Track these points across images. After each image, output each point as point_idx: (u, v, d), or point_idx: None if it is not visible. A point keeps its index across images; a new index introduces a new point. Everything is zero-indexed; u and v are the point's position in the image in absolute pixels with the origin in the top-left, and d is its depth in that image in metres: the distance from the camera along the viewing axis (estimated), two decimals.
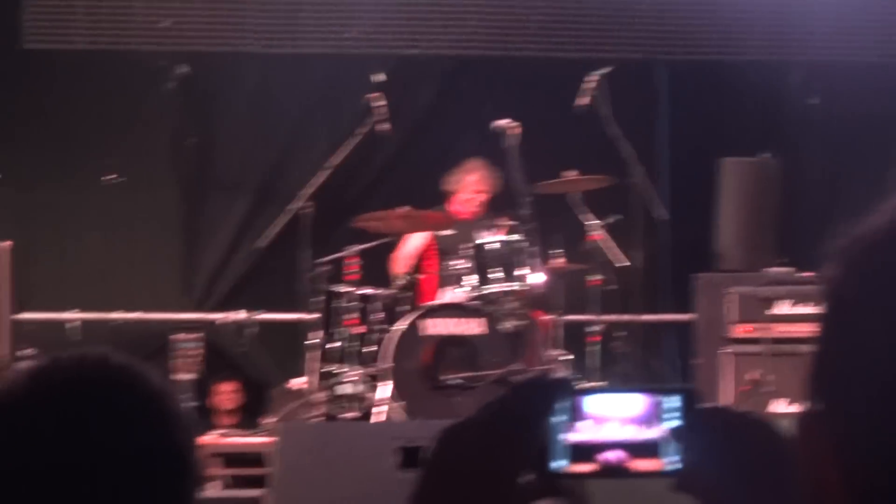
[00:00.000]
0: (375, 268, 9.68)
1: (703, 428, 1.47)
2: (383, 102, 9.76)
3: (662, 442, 1.47)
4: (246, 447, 9.43)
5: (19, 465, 1.74)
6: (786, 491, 1.41)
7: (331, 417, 9.03)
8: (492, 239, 9.32)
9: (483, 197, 10.07)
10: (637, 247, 9.72)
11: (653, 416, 1.48)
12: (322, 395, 9.10)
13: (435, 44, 10.68)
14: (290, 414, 9.36)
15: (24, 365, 1.86)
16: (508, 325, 9.16)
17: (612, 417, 1.48)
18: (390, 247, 9.70)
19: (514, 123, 9.21)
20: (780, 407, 8.99)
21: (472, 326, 9.09)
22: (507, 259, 9.26)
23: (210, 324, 10.56)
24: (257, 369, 10.87)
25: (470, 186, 10.07)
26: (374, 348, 9.19)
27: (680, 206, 10.66)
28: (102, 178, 10.75)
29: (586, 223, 9.57)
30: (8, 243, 9.46)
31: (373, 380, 9.13)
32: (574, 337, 9.72)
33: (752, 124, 11.45)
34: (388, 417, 8.72)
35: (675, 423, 1.47)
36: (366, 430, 8.32)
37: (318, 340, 9.26)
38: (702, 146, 10.88)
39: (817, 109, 11.34)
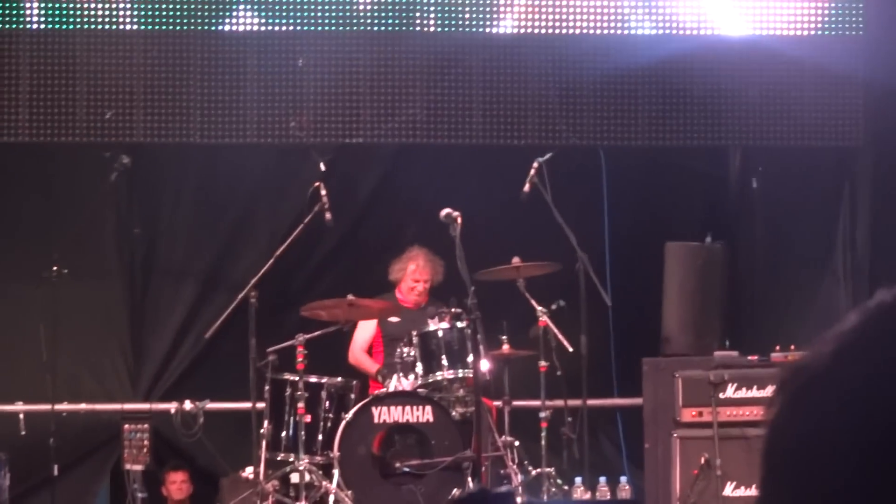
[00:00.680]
0: (323, 356, 9.68)
1: None
2: (324, 192, 9.78)
3: None
4: None
5: None
6: None
7: None
8: (437, 327, 9.36)
9: (424, 285, 10.09)
10: (583, 332, 9.74)
11: None
12: (272, 485, 9.06)
13: (378, 132, 10.72)
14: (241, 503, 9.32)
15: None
16: (457, 412, 9.18)
17: None
18: (338, 335, 9.69)
19: (456, 213, 9.22)
20: (728, 490, 9.02)
21: (421, 414, 9.10)
22: (453, 346, 9.29)
23: (158, 413, 10.48)
24: (207, 458, 10.79)
25: (411, 275, 10.09)
26: (323, 437, 9.18)
27: (626, 291, 10.70)
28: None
29: (537, 309, 9.60)
30: None
31: (322, 468, 9.10)
32: (523, 423, 9.72)
33: (695, 208, 11.54)
34: None
35: None
36: None
37: (267, 429, 9.23)
38: (646, 230, 10.96)
39: (758, 192, 11.44)
